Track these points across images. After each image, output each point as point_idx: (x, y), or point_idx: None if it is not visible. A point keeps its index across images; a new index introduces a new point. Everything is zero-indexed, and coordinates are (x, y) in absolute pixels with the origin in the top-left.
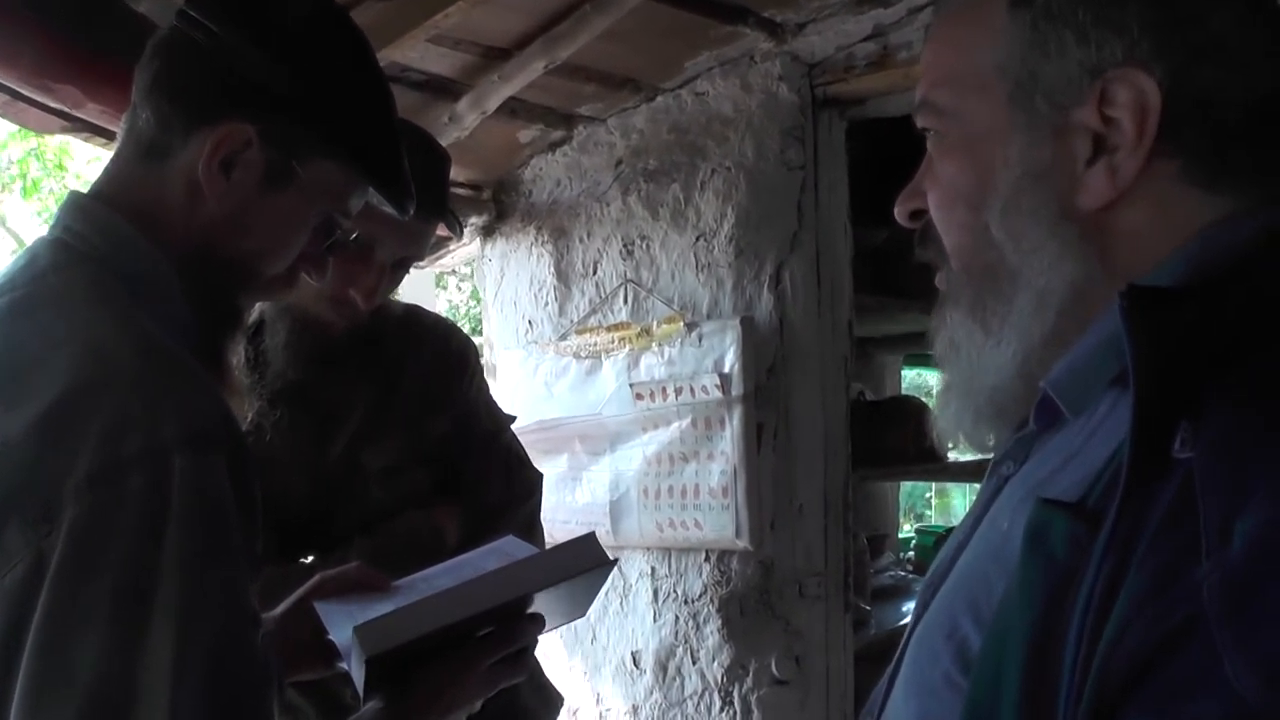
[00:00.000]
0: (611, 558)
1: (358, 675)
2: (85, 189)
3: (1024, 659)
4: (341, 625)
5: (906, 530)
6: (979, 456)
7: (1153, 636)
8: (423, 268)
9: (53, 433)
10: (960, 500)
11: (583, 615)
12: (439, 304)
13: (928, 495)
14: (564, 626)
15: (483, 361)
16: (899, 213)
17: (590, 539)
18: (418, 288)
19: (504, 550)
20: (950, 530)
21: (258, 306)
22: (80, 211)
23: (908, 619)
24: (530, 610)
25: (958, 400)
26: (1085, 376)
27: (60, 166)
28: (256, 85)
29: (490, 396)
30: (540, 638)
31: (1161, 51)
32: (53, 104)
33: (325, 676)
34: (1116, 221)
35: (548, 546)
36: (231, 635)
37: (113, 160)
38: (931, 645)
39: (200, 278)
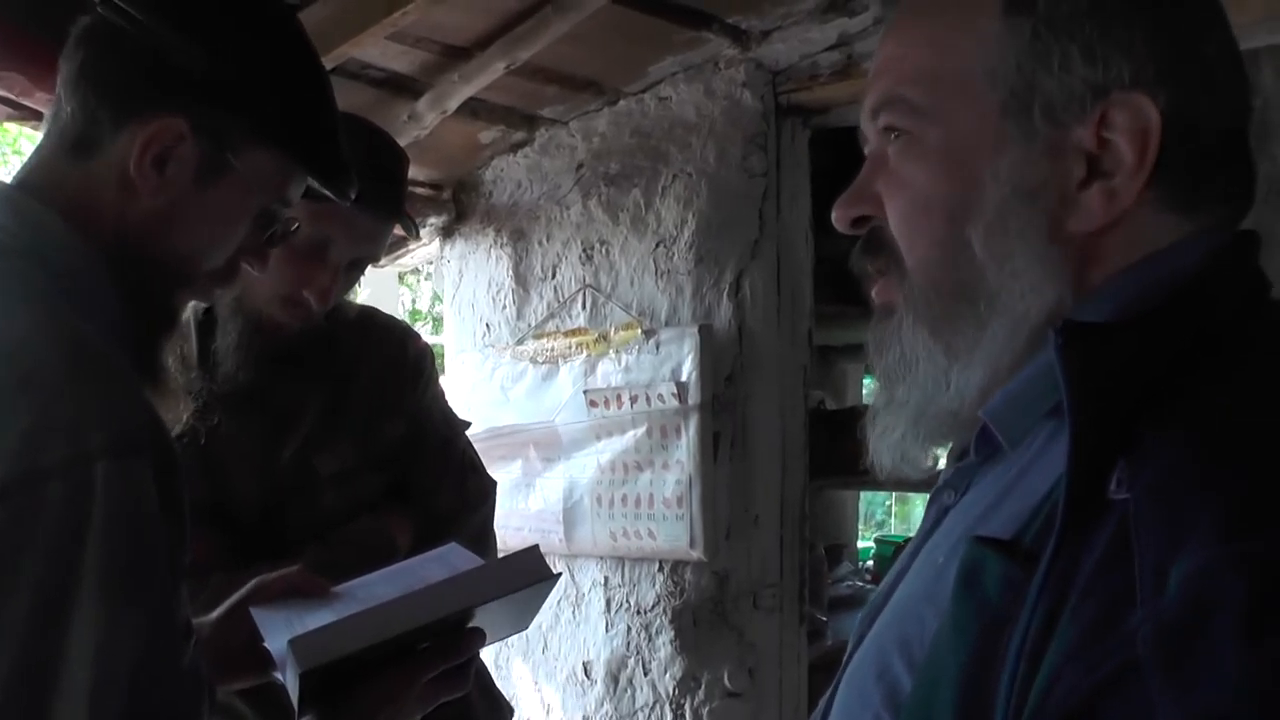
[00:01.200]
0: (565, 570)
1: (293, 688)
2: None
3: (955, 706)
4: (278, 633)
5: (866, 539)
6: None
7: (1086, 685)
8: (383, 267)
9: None
10: (922, 510)
11: (525, 629)
12: (401, 303)
13: (888, 504)
14: (514, 635)
15: (439, 365)
16: (839, 217)
17: (534, 552)
18: (380, 287)
19: (446, 558)
20: (910, 540)
21: (211, 305)
22: (6, 203)
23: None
24: (472, 624)
25: (905, 424)
26: (1022, 407)
27: (16, 151)
28: (186, 75)
29: (445, 402)
30: (486, 649)
31: (1165, 78)
32: None
33: (261, 684)
34: (1098, 246)
35: (499, 554)
36: (156, 649)
37: (36, 152)
38: (862, 686)
39: (134, 275)
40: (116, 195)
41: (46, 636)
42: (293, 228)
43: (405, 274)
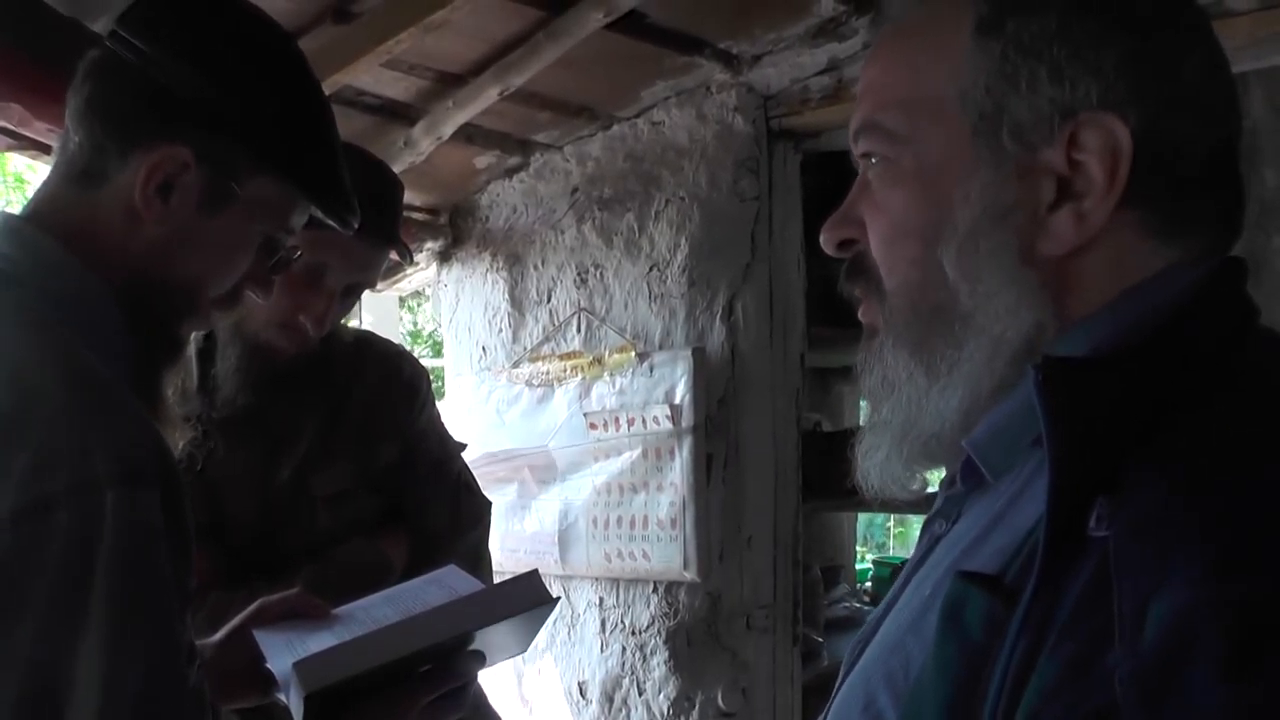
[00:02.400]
0: (560, 592)
1: (296, 710)
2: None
3: None
4: (280, 655)
5: (865, 561)
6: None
7: None
8: (380, 291)
9: None
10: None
11: (524, 651)
12: (402, 326)
13: (888, 525)
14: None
15: (437, 388)
16: (826, 241)
17: (534, 577)
18: (380, 310)
19: (445, 581)
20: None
21: (210, 331)
22: (13, 235)
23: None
24: (471, 647)
25: (889, 443)
26: (1006, 439)
27: (20, 180)
28: (190, 105)
29: (441, 424)
30: (481, 673)
31: (1136, 98)
32: None
33: (263, 704)
34: (1073, 269)
35: (495, 575)
36: (163, 674)
37: (45, 184)
38: (848, 718)
39: (140, 304)
40: (122, 224)
41: (55, 661)
42: (296, 255)
43: (406, 297)
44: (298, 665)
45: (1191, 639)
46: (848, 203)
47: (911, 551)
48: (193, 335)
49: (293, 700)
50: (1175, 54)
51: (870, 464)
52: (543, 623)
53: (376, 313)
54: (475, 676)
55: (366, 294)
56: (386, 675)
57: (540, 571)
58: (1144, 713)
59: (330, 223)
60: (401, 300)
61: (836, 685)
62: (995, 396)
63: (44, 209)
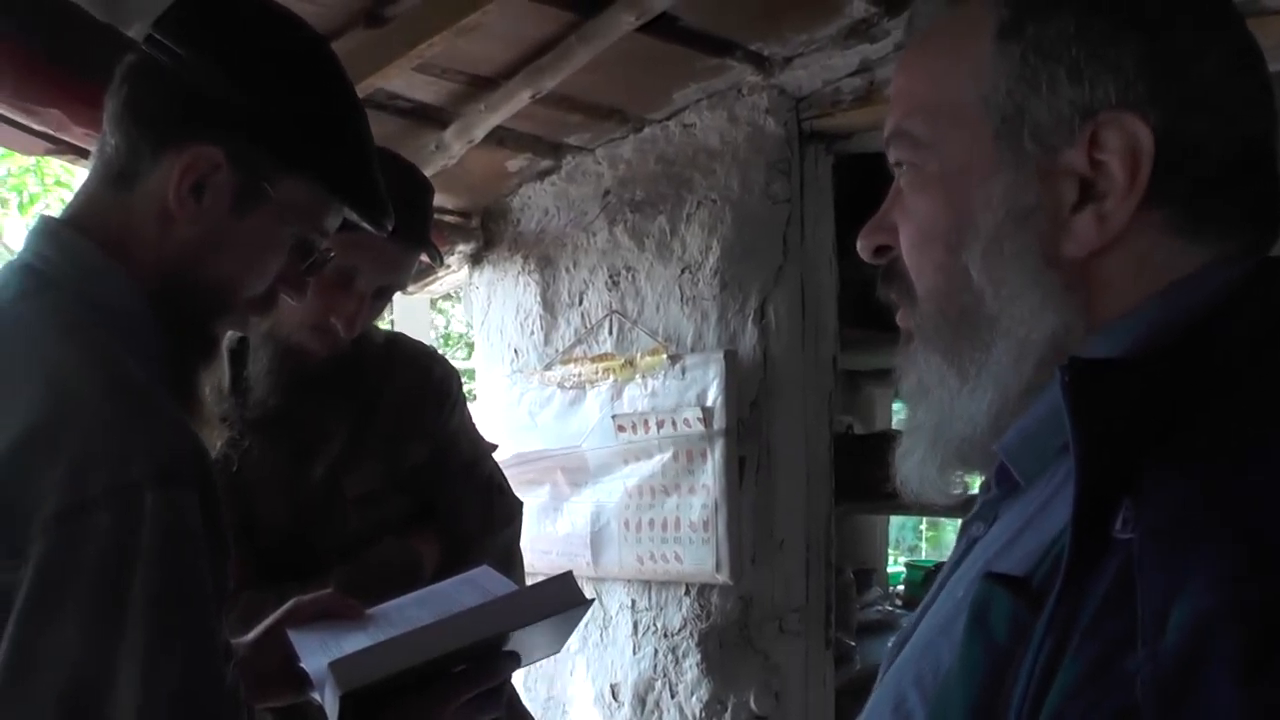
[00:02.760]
0: (592, 594)
1: (332, 709)
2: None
3: None
4: (314, 654)
5: (897, 564)
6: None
7: None
8: (411, 294)
9: (19, 468)
10: (953, 534)
11: (558, 652)
12: (434, 328)
13: (920, 528)
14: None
15: (465, 390)
16: (862, 248)
17: (568, 578)
18: (412, 312)
19: (478, 582)
20: (940, 565)
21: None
22: (51, 237)
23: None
24: (506, 648)
25: (924, 446)
26: (1036, 443)
27: (60, 183)
28: (223, 106)
29: (472, 425)
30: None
31: (1156, 96)
32: (37, 126)
33: (297, 704)
34: (1099, 271)
35: (527, 577)
36: (200, 672)
37: (84, 186)
38: (879, 717)
39: (174, 305)
40: (156, 225)
41: (95, 661)
42: (330, 257)
43: (437, 299)
44: (333, 665)
45: (1211, 642)
46: (882, 209)
47: (946, 555)
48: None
49: (328, 700)
50: (1196, 51)
51: (907, 467)
52: (577, 624)
53: (408, 315)
54: (509, 677)
55: (398, 296)
56: (421, 676)
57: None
58: (1162, 714)
59: (364, 225)
60: (433, 303)
61: (875, 687)
62: (1025, 400)
63: (82, 211)
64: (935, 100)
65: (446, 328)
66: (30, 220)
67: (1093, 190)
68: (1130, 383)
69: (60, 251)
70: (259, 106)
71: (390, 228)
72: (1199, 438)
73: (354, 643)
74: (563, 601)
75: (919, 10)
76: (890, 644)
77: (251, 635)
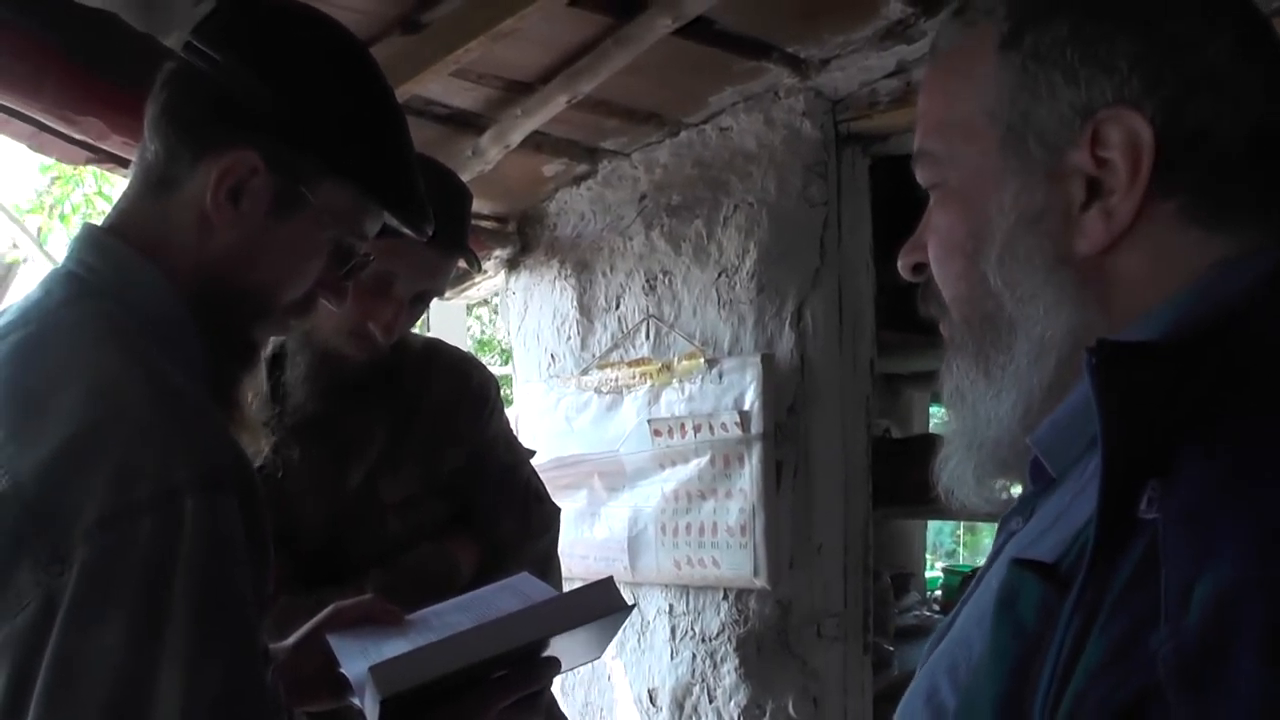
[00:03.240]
0: (630, 598)
1: (372, 713)
2: (99, 221)
3: None
4: (354, 659)
5: (935, 569)
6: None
7: (1109, 706)
8: (449, 300)
9: (63, 474)
10: (991, 539)
11: (598, 657)
12: (470, 333)
13: (957, 533)
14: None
15: (504, 396)
16: (902, 267)
17: (609, 583)
18: (449, 318)
19: (518, 588)
20: (977, 570)
21: (278, 339)
22: (93, 244)
23: None
24: (546, 653)
25: (961, 452)
26: (1068, 434)
27: (100, 193)
28: (260, 111)
29: (510, 431)
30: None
31: (1152, 87)
32: (77, 135)
33: (337, 708)
34: (1116, 266)
35: (564, 581)
36: (241, 676)
37: (125, 194)
38: (914, 709)
39: (214, 311)
40: (195, 231)
41: (139, 666)
42: (370, 262)
43: (473, 305)
44: (374, 669)
45: (1235, 620)
46: (919, 229)
47: (985, 557)
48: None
49: (368, 704)
50: (1195, 41)
51: (947, 474)
52: (617, 629)
53: (444, 320)
54: (550, 682)
55: (434, 302)
56: (461, 681)
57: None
58: (1185, 693)
59: (404, 229)
60: (469, 308)
61: (912, 683)
62: (1052, 399)
63: (123, 219)
64: (949, 117)
65: (482, 333)
66: (73, 229)
67: (1100, 187)
68: (1158, 367)
69: (102, 258)
70: (296, 110)
71: (430, 232)
72: (1231, 422)
73: (394, 648)
74: (604, 607)
75: (941, 33)
76: (930, 639)
77: (292, 639)
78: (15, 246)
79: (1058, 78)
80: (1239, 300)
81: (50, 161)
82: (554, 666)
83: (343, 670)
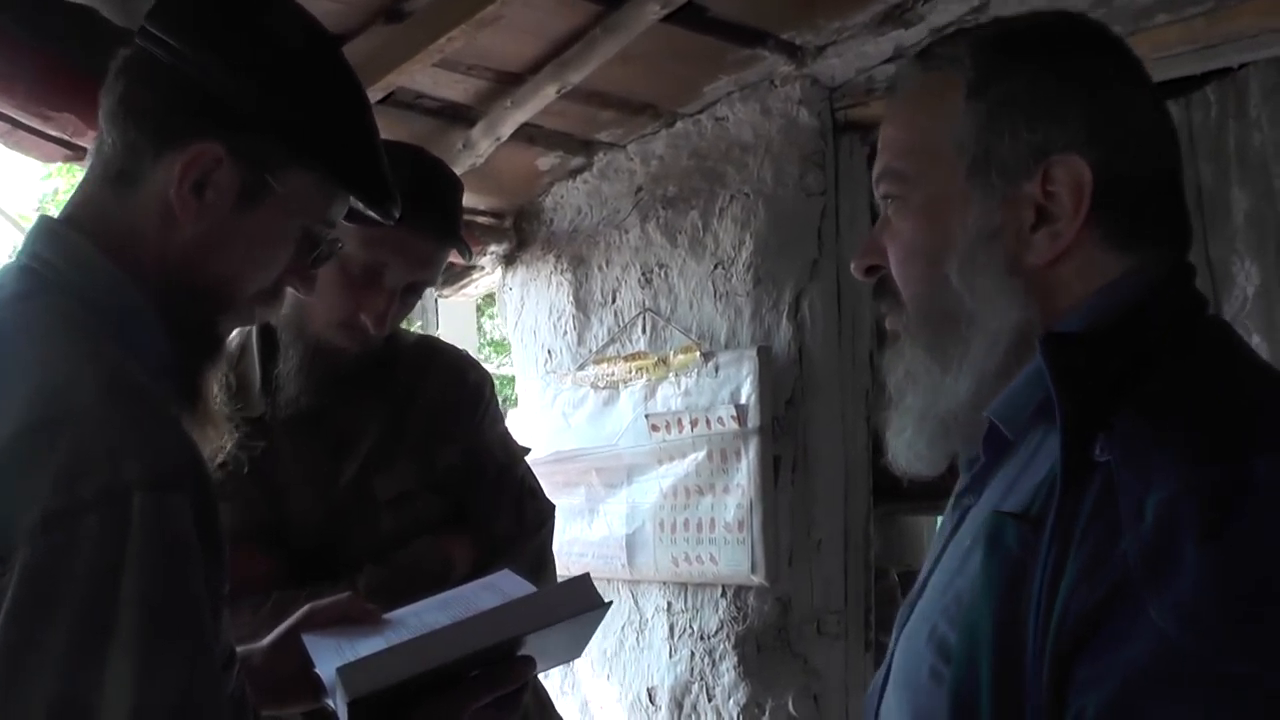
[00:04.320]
0: (629, 596)
1: (342, 715)
2: (55, 214)
3: (994, 637)
4: (328, 659)
5: None
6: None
7: (1091, 602)
8: (448, 296)
9: (8, 471)
10: None
11: (577, 657)
12: (482, 332)
13: None
14: (580, 660)
15: (511, 394)
16: (856, 268)
17: (584, 580)
18: (458, 317)
19: (498, 586)
20: None
21: (274, 331)
22: (50, 237)
23: None
24: (522, 652)
25: (914, 425)
26: (1018, 404)
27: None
28: (221, 100)
29: (505, 428)
30: (551, 674)
31: (1093, 139)
32: (53, 132)
33: (315, 709)
34: (1051, 276)
35: (561, 579)
36: (195, 678)
37: (81, 186)
38: (915, 649)
39: (178, 304)
40: (158, 224)
41: (86, 668)
42: (338, 248)
43: (482, 304)
44: (341, 670)
45: (1177, 517)
46: (872, 235)
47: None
48: (254, 336)
49: (339, 706)
50: (1123, 105)
51: (899, 442)
52: (595, 627)
53: (453, 320)
54: (527, 682)
55: (443, 301)
56: (435, 681)
57: (608, 576)
58: (1149, 577)
59: (372, 214)
60: (480, 308)
61: (893, 643)
62: (998, 380)
63: (81, 212)
64: (918, 145)
65: (491, 332)
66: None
67: (1047, 214)
68: (1090, 348)
69: (58, 252)
70: (257, 98)
71: (397, 215)
72: (1151, 387)
73: (369, 647)
74: (579, 605)
75: (902, 74)
76: (901, 608)
77: (267, 640)
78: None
79: (1020, 123)
80: (1137, 300)
81: (52, 168)
82: (529, 666)
83: (317, 670)
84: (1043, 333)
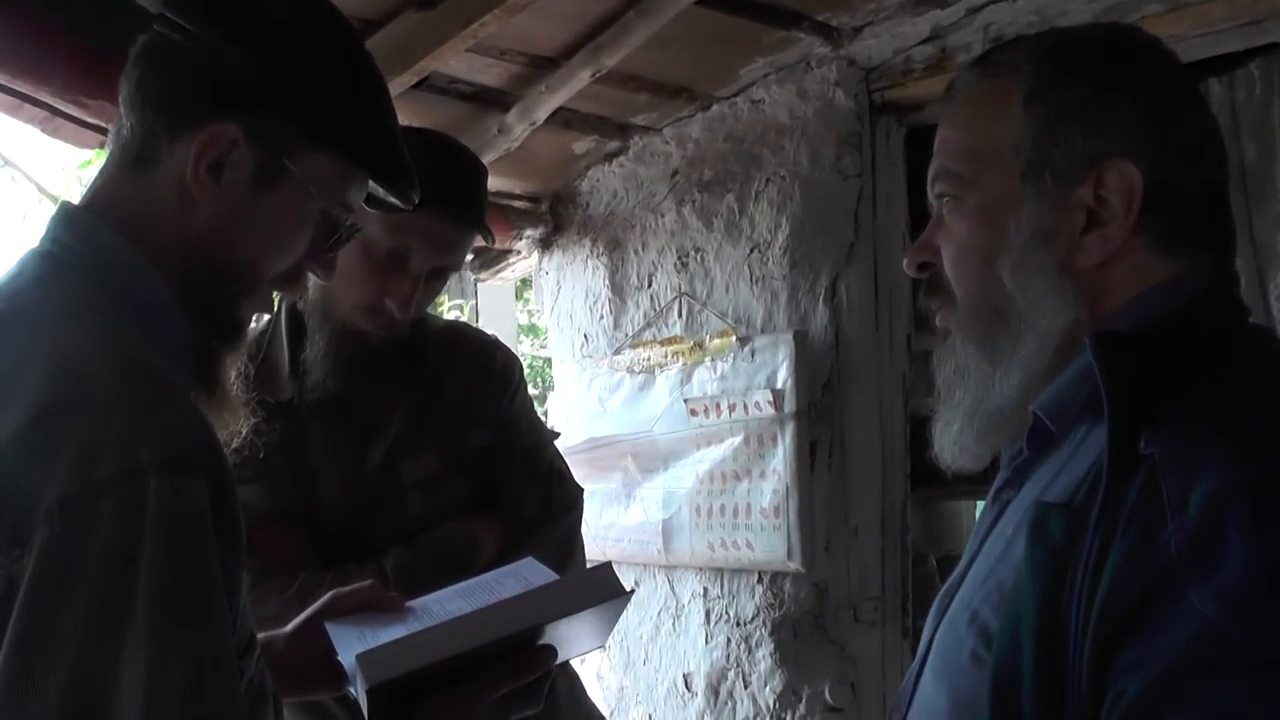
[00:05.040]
0: (665, 581)
1: (362, 702)
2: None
3: (1037, 623)
4: (350, 647)
5: None
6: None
7: (1134, 589)
8: (484, 280)
9: (25, 454)
10: None
11: (600, 646)
12: (518, 318)
13: None
14: (615, 645)
15: (546, 379)
16: (909, 265)
17: (607, 569)
18: (497, 302)
19: (522, 574)
20: None
21: (301, 316)
22: (69, 223)
23: None
24: (543, 641)
25: (963, 419)
26: (1064, 400)
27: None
28: (237, 82)
29: (534, 412)
30: (585, 659)
31: (1146, 148)
32: (89, 119)
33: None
34: (1100, 278)
35: (590, 563)
36: (210, 661)
37: (102, 171)
38: (956, 634)
39: (197, 287)
40: (176, 207)
41: (102, 651)
42: (356, 233)
43: (520, 289)
44: (361, 658)
45: (1223, 509)
46: (926, 233)
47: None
48: (282, 320)
49: (359, 693)
50: (1174, 116)
51: (947, 437)
52: (618, 616)
53: (492, 305)
54: (550, 671)
55: (481, 286)
56: (455, 669)
57: (644, 562)
58: (1192, 564)
59: (391, 199)
60: (517, 292)
61: (930, 629)
62: (1046, 377)
63: (100, 196)
64: (975, 148)
65: (531, 317)
66: None
67: (1098, 218)
68: (1140, 348)
69: (78, 237)
70: (273, 79)
71: (417, 200)
72: (1195, 390)
73: (390, 635)
74: (600, 593)
75: (960, 79)
76: (939, 595)
77: (289, 627)
78: None
79: (1075, 131)
80: (1183, 304)
81: (92, 154)
82: (550, 655)
83: (339, 658)
84: (1091, 332)
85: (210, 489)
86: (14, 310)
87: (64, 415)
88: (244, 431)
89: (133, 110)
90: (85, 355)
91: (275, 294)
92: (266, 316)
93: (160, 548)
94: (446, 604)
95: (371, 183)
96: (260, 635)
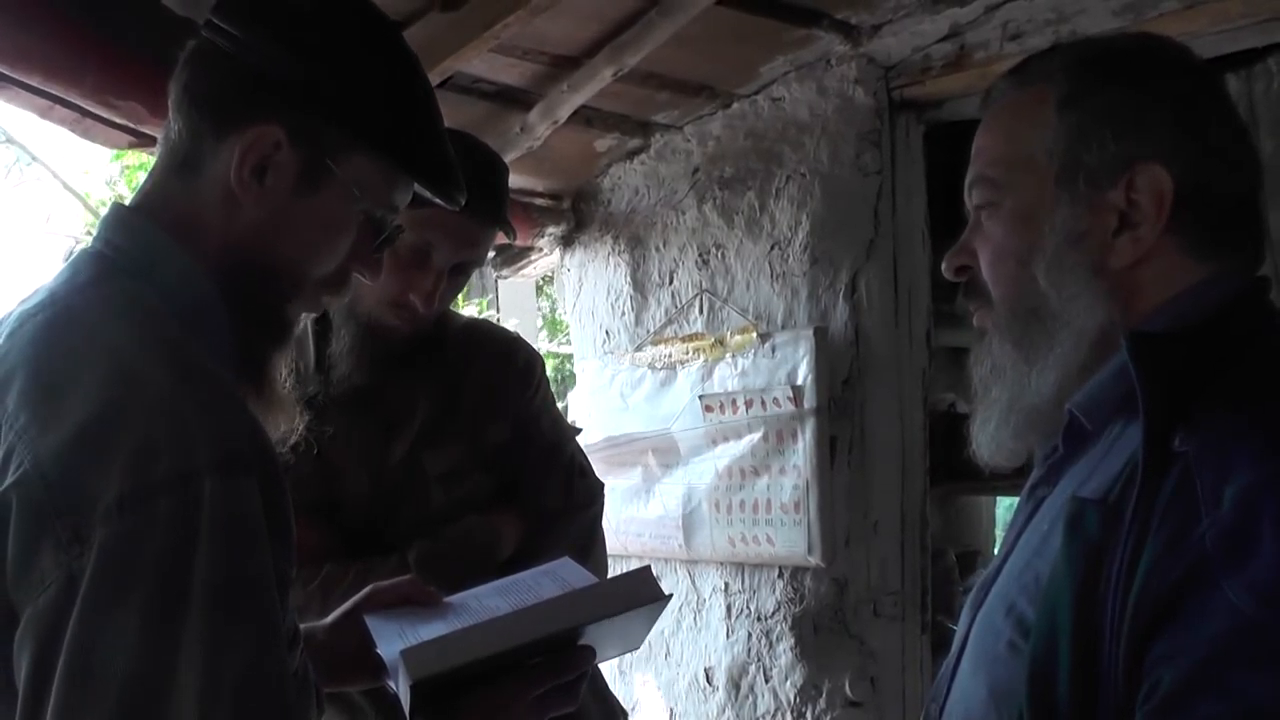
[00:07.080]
0: (685, 576)
1: (404, 697)
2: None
3: (1073, 614)
4: (389, 641)
5: None
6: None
7: (1169, 581)
8: (507, 277)
9: (83, 455)
10: None
11: (636, 648)
12: (540, 313)
13: None
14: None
15: (568, 375)
16: (947, 268)
17: (646, 573)
18: (518, 297)
19: (558, 573)
20: None
21: (326, 311)
22: (120, 224)
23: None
24: (582, 641)
25: (999, 417)
26: (1099, 398)
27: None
28: (281, 85)
29: (555, 407)
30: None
31: (1176, 151)
32: (119, 120)
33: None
34: (1132, 279)
35: (620, 558)
36: (262, 656)
37: (152, 173)
38: (993, 624)
39: (245, 289)
40: (222, 209)
41: (158, 648)
42: (401, 233)
43: (542, 285)
44: (405, 653)
45: (1257, 504)
46: (963, 238)
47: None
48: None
49: (400, 688)
50: (1204, 122)
51: (984, 435)
52: (655, 620)
53: (513, 300)
54: (586, 670)
55: (503, 282)
56: (495, 667)
57: (665, 556)
58: (1226, 557)
59: (437, 200)
60: (539, 288)
61: (967, 621)
62: (1081, 376)
63: (150, 198)
64: (1011, 154)
65: (552, 312)
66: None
67: (1129, 220)
68: (1176, 347)
69: (129, 239)
70: (317, 82)
71: (462, 201)
72: (1228, 387)
73: (431, 631)
74: (640, 597)
75: (996, 89)
76: (975, 588)
77: (328, 619)
78: (90, 234)
79: (1107, 135)
80: (1216, 306)
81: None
82: (589, 655)
83: (379, 651)
84: (1125, 331)
85: (262, 488)
86: (69, 312)
87: (120, 416)
88: (297, 430)
89: (180, 114)
90: (139, 357)
91: (325, 298)
92: None
93: (215, 547)
94: (484, 601)
95: (417, 185)
96: (301, 627)
